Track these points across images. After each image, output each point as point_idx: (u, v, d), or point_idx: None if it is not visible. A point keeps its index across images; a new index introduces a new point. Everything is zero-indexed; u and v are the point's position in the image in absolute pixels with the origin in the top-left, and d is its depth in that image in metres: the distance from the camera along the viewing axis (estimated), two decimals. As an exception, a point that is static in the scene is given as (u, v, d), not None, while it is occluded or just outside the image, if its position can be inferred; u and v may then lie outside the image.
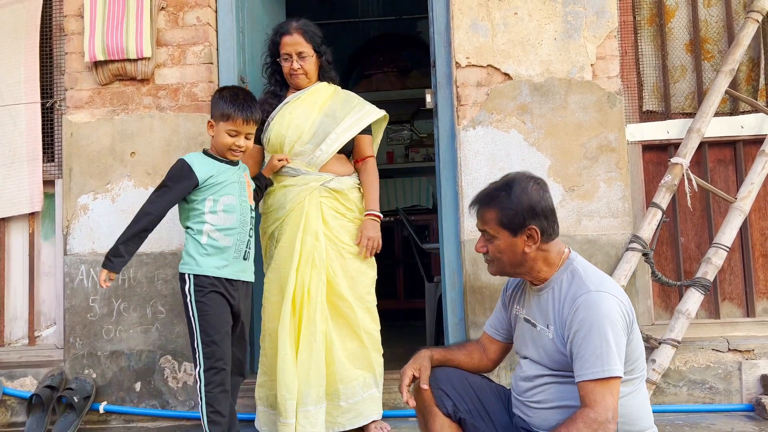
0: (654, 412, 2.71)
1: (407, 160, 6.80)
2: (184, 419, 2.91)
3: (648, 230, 2.79)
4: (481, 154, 2.93)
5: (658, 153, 3.02)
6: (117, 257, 2.24)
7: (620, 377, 1.67)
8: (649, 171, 3.01)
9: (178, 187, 2.28)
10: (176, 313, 2.93)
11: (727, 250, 2.76)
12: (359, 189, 2.68)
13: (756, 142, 2.91)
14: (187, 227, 2.34)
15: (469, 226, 2.90)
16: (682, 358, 2.78)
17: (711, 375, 2.77)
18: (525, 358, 1.90)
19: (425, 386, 1.91)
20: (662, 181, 2.83)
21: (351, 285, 2.57)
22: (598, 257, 2.82)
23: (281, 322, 2.47)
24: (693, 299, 2.73)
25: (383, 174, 6.80)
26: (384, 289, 6.40)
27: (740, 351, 2.78)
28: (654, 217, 2.80)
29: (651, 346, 2.74)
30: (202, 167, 2.29)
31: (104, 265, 2.23)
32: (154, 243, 2.97)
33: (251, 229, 2.38)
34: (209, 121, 2.34)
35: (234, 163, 2.37)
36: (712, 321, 2.94)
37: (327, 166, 2.61)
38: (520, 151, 2.90)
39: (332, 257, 2.55)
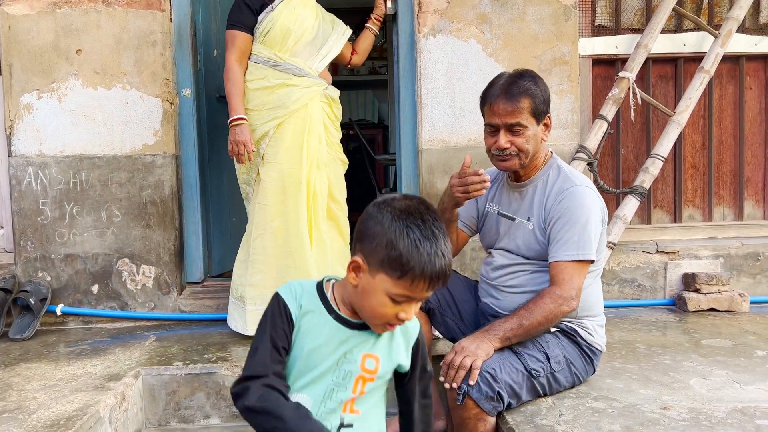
0: (590, 306, 2.98)
1: (352, 72, 6.72)
2: (144, 320, 2.96)
3: (594, 141, 2.96)
4: (440, 63, 2.96)
5: (607, 67, 3.15)
6: None
7: (593, 261, 1.86)
8: (597, 84, 3.15)
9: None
10: (133, 216, 2.90)
11: (664, 160, 2.98)
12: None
13: (696, 59, 3.08)
14: None
15: (427, 135, 2.98)
16: (617, 259, 3.04)
17: (640, 274, 3.06)
18: (498, 249, 2.05)
19: None
20: (609, 94, 2.98)
21: (340, 189, 2.74)
22: (547, 166, 2.98)
23: (299, 219, 2.54)
24: (630, 205, 2.96)
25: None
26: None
27: (667, 253, 3.06)
28: (600, 129, 2.97)
29: (590, 248, 2.98)
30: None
31: None
32: (107, 146, 2.89)
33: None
34: (355, 261, 1.21)
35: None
36: (644, 226, 3.20)
37: (321, 74, 2.70)
38: (478, 61, 2.95)
39: (329, 162, 2.68)
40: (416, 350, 1.31)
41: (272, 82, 2.57)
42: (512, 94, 1.89)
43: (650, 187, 3.16)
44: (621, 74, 2.97)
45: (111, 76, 2.89)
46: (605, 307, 2.99)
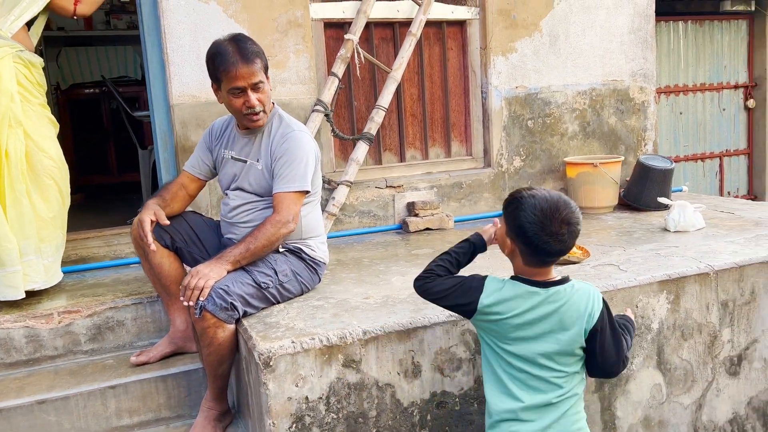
0: (335, 236, 3.53)
1: (109, 27, 6.44)
2: None
3: (328, 95, 3.44)
4: (183, 23, 3.17)
5: (337, 30, 3.63)
6: None
7: (308, 192, 2.32)
8: (330, 45, 3.62)
9: None
10: None
11: (385, 110, 3.58)
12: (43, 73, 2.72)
13: (408, 24, 3.70)
14: None
15: (177, 91, 3.20)
16: (355, 195, 3.61)
17: (375, 206, 3.67)
18: (234, 190, 2.41)
19: (167, 222, 2.30)
20: (338, 54, 3.47)
21: (53, 148, 2.66)
22: (290, 118, 3.40)
23: None
24: (361, 149, 3.53)
25: (81, 41, 6.45)
26: (96, 164, 6.26)
27: (394, 187, 3.71)
28: (333, 84, 3.45)
29: (332, 187, 3.50)
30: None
31: None
32: None
33: None
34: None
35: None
36: (376, 166, 3.82)
37: (18, 35, 2.62)
38: (220, 22, 3.22)
39: (31, 116, 2.58)
40: None
41: None
42: (248, 58, 2.24)
43: (379, 133, 3.78)
44: (347, 36, 3.47)
45: None
46: (348, 235, 3.59)
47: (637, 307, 2.33)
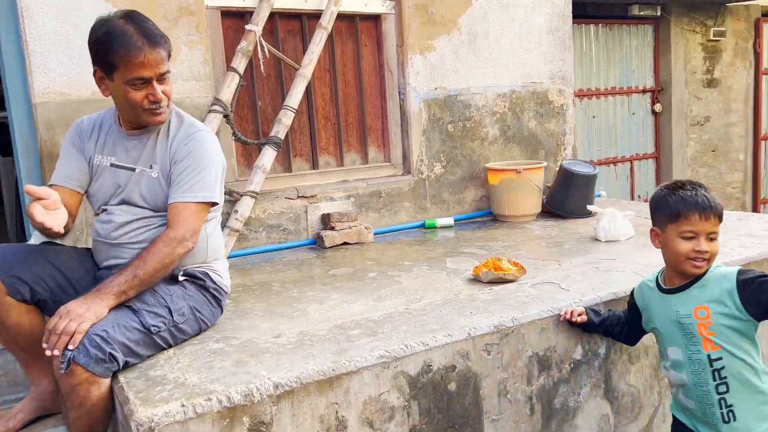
0: (239, 255, 3.10)
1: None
2: None
3: (227, 93, 3.01)
4: (48, 5, 2.63)
5: (237, 20, 3.20)
6: None
7: (216, 204, 1.91)
8: (229, 37, 3.18)
9: None
10: None
11: (295, 111, 3.19)
12: None
13: (318, 16, 3.33)
14: None
15: (41, 88, 2.65)
16: (262, 207, 3.19)
17: (285, 219, 3.27)
18: (118, 204, 1.93)
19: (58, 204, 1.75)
20: (238, 47, 3.04)
21: None
22: (184, 119, 2.93)
23: None
24: (267, 155, 3.11)
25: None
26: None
27: (306, 197, 3.33)
28: (232, 81, 3.02)
29: (234, 198, 3.06)
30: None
31: None
32: None
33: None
34: (654, 231, 1.75)
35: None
36: (286, 174, 3.41)
37: None
38: (94, 6, 2.70)
39: None
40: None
41: None
42: (156, 41, 1.82)
43: (289, 137, 3.38)
44: (248, 27, 3.05)
45: None
46: (255, 253, 3.16)
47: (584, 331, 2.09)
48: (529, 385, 1.99)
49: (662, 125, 6.15)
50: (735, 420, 1.63)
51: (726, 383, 1.63)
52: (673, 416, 1.82)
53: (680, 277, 1.68)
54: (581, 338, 2.08)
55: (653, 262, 2.54)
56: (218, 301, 2.02)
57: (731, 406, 1.63)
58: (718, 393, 1.63)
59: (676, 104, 6.05)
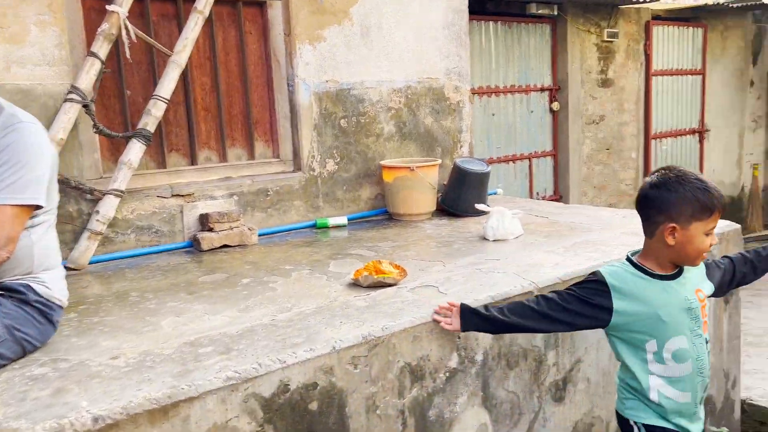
0: (101, 261, 2.81)
1: None
2: None
3: (87, 81, 2.70)
4: None
5: (99, 0, 2.89)
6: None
7: (40, 207, 1.66)
8: (90, 19, 2.86)
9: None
10: None
11: (167, 102, 2.92)
12: None
13: None
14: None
15: None
16: (130, 207, 2.91)
17: (157, 220, 3.00)
18: None
19: None
20: (99, 30, 2.74)
21: None
22: (34, 109, 2.59)
23: None
24: (135, 150, 2.83)
25: None
26: None
27: (182, 196, 3.07)
28: (92, 67, 2.71)
29: (96, 197, 2.76)
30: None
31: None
32: None
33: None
34: (671, 227, 1.62)
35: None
36: (160, 171, 3.13)
37: None
38: None
39: None
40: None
41: None
42: None
43: (163, 130, 3.11)
44: (110, 8, 2.75)
45: None
46: (121, 258, 2.87)
47: (459, 338, 1.99)
48: (400, 398, 1.86)
49: (560, 123, 6.28)
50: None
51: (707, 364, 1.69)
52: (645, 427, 1.68)
53: (672, 265, 1.65)
54: (456, 345, 1.98)
55: (538, 261, 2.50)
56: (47, 317, 1.76)
57: (707, 385, 1.70)
58: (707, 376, 1.68)
59: (573, 103, 6.19)
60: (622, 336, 1.68)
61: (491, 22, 5.64)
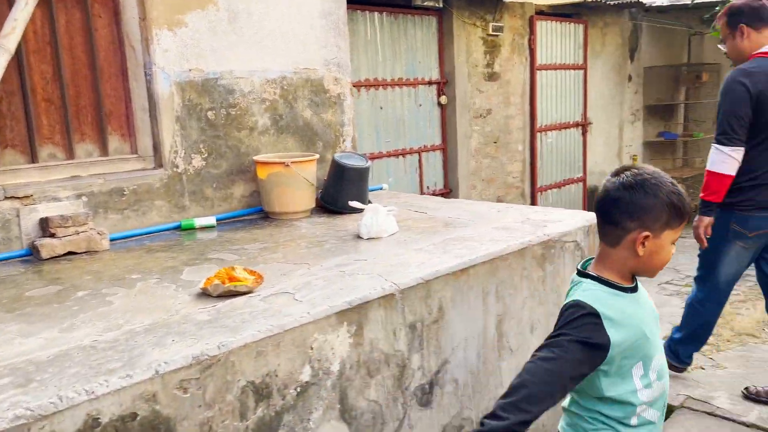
0: None
1: None
2: None
3: None
4: None
5: None
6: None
7: None
8: None
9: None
10: None
11: (-8, 92, 2.57)
12: None
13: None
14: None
15: None
16: (-50, 212, 2.54)
17: (-13, 226, 2.64)
18: None
19: None
20: None
21: None
22: None
23: None
24: (-48, 146, 2.47)
25: None
26: None
27: (19, 197, 2.72)
28: None
29: None
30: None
31: None
32: None
33: None
34: (644, 235, 1.43)
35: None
36: (-10, 170, 2.77)
37: None
38: None
39: None
40: None
41: None
42: None
43: (-8, 124, 2.74)
44: None
45: None
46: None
47: (312, 348, 1.85)
48: (243, 420, 1.69)
49: (448, 117, 6.30)
50: None
51: None
52: None
53: (630, 277, 1.51)
54: (309, 357, 1.84)
55: (405, 260, 2.41)
56: None
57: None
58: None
59: (460, 96, 6.23)
60: (609, 370, 1.42)
61: (376, 13, 5.53)
